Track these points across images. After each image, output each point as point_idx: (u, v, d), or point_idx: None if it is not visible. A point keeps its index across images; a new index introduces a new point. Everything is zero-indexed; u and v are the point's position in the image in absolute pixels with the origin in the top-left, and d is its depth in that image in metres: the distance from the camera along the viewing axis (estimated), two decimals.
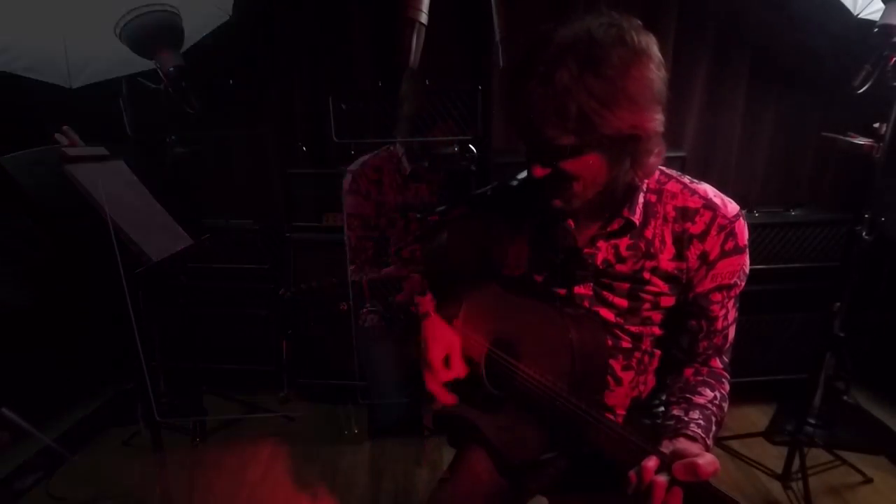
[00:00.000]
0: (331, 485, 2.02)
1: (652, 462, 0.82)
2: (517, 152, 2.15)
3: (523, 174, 1.18)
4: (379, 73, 2.12)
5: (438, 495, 1.10)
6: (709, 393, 0.99)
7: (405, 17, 1.39)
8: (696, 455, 0.80)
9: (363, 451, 2.19)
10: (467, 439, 1.17)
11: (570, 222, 1.04)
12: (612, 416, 1.11)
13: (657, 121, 0.88)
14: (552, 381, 0.99)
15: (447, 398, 1.10)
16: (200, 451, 2.17)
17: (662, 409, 1.10)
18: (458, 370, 1.10)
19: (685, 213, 0.99)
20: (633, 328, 1.06)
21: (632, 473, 0.82)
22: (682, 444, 0.87)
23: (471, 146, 1.94)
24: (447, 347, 1.10)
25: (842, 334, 1.81)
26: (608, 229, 1.02)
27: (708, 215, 0.98)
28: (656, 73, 0.86)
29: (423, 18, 1.40)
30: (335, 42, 2.12)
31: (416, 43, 1.43)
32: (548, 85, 0.83)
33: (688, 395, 0.98)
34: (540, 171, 0.92)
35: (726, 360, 1.08)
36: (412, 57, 1.44)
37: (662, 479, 0.80)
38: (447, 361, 1.09)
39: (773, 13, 2.19)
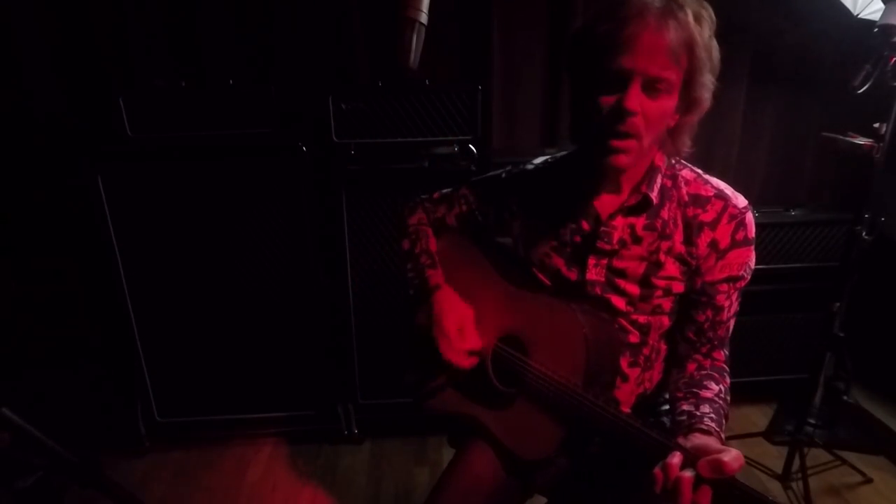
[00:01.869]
0: (331, 485, 2.02)
1: (676, 458, 0.80)
2: (517, 152, 2.17)
3: (539, 160, 1.18)
4: (379, 73, 2.12)
5: (437, 493, 1.09)
6: (714, 386, 0.99)
7: (405, 17, 1.39)
8: (720, 450, 0.79)
9: (363, 451, 2.19)
10: (469, 437, 1.16)
11: (592, 189, 1.05)
12: None
13: (710, 95, 0.94)
14: (566, 378, 0.98)
15: (466, 362, 1.10)
16: (201, 451, 2.18)
17: (667, 407, 1.10)
18: (473, 341, 1.11)
19: (697, 200, 1.02)
20: (642, 319, 1.06)
21: (657, 471, 0.81)
22: (700, 439, 0.86)
23: (470, 146, 1.94)
24: (460, 318, 1.11)
25: (842, 334, 1.81)
26: (626, 204, 1.02)
27: (719, 204, 1.01)
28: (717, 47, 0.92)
29: (424, 18, 1.40)
30: (335, 42, 2.12)
31: (416, 43, 1.43)
32: (677, 21, 0.86)
33: (694, 390, 0.99)
34: (635, 102, 0.89)
35: (727, 352, 1.08)
36: (412, 57, 1.44)
37: (688, 475, 0.78)
38: (460, 331, 1.10)
39: (773, 13, 2.19)
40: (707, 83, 0.91)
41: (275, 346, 2.10)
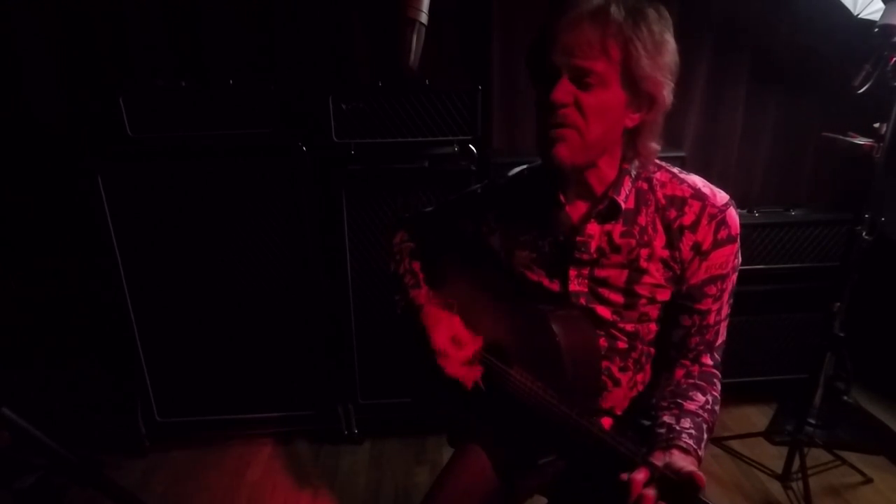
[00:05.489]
0: (331, 485, 2.02)
1: (641, 475, 0.80)
2: (517, 152, 2.17)
3: (514, 171, 1.19)
4: (379, 73, 2.12)
5: (435, 492, 1.09)
6: (700, 397, 0.98)
7: (405, 17, 1.40)
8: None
9: (363, 451, 2.19)
10: (467, 437, 1.17)
11: (561, 196, 1.04)
12: (610, 418, 1.11)
13: (669, 94, 0.94)
14: (543, 388, 0.98)
15: (472, 374, 1.10)
16: (201, 451, 2.18)
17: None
18: (470, 344, 1.10)
19: (674, 201, 1.00)
20: (629, 326, 1.05)
21: (623, 475, 0.81)
22: (677, 457, 0.86)
23: (471, 146, 1.94)
24: (449, 328, 1.11)
25: (842, 334, 1.81)
26: (596, 209, 1.02)
27: (697, 205, 0.99)
28: (675, 47, 0.93)
29: (424, 18, 1.41)
30: (335, 42, 2.12)
31: (416, 43, 1.43)
32: (601, 16, 0.89)
33: (679, 401, 0.97)
34: (563, 94, 0.91)
35: (718, 357, 1.06)
36: (412, 57, 1.45)
37: (651, 492, 0.78)
38: (455, 341, 1.10)
39: (773, 13, 2.19)
40: (659, 79, 0.92)
41: (275, 346, 2.10)
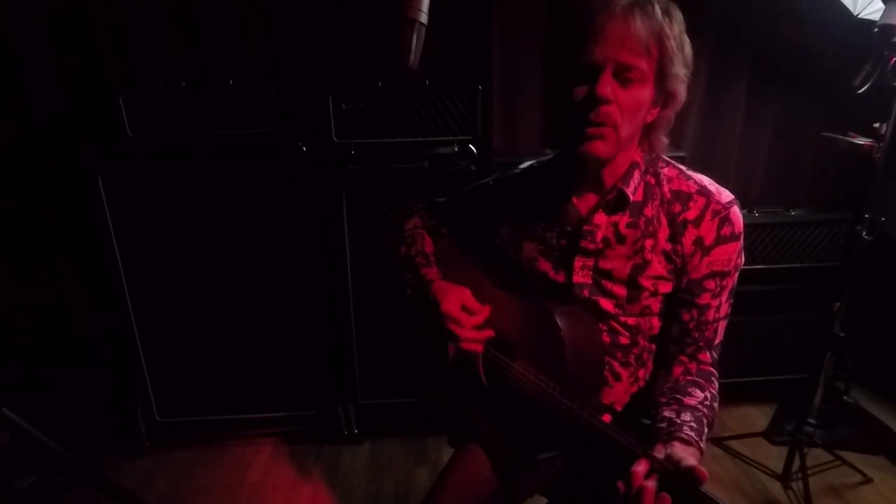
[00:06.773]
0: (331, 485, 2.02)
1: (641, 467, 0.80)
2: (517, 152, 2.17)
3: (525, 164, 1.20)
4: (379, 73, 2.12)
5: (436, 492, 1.10)
6: (699, 393, 0.98)
7: (405, 17, 1.40)
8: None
9: (363, 451, 2.19)
10: (466, 436, 1.17)
11: (571, 188, 1.06)
12: (609, 415, 1.11)
13: (685, 91, 0.97)
14: (545, 381, 0.99)
15: (482, 335, 1.10)
16: (201, 452, 2.18)
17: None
18: (481, 312, 1.10)
19: (679, 196, 1.02)
20: (630, 320, 1.06)
21: (620, 483, 0.80)
22: (678, 449, 0.85)
23: (470, 146, 1.94)
24: (459, 297, 1.11)
25: (842, 334, 1.81)
26: (605, 200, 1.03)
27: (702, 201, 1.00)
28: (690, 45, 0.96)
29: (424, 18, 1.41)
30: (335, 42, 2.12)
31: (416, 43, 1.43)
32: (646, 12, 0.89)
33: (678, 396, 0.98)
34: (608, 89, 0.90)
35: (716, 355, 1.06)
36: (412, 57, 1.45)
37: (652, 484, 0.77)
38: (465, 309, 1.10)
39: (773, 13, 2.19)
40: (681, 75, 0.94)
41: (275, 346, 2.10)
